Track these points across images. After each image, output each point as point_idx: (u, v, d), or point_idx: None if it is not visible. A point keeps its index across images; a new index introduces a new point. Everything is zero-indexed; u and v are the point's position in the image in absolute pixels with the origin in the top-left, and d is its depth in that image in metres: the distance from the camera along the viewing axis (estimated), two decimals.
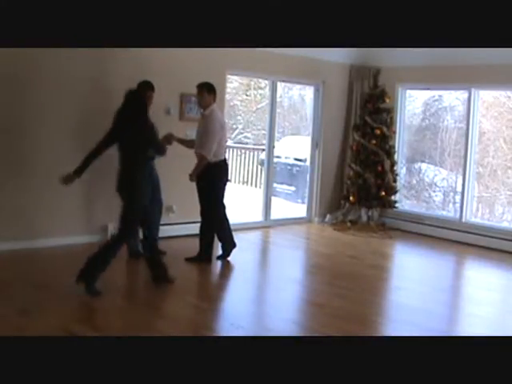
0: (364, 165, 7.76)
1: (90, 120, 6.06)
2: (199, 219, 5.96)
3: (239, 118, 13.94)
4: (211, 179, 5.58)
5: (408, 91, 8.33)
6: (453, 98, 8.20)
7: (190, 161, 6.34)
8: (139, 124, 4.70)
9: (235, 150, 12.15)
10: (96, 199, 6.24)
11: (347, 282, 5.48)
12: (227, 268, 5.89)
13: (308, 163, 8.55)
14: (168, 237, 6.24)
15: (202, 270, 5.64)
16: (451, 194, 8.25)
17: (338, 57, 7.93)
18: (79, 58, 5.81)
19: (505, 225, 7.62)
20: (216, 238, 5.89)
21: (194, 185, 5.94)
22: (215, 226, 5.80)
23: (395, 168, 7.89)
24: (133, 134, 4.72)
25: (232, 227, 6.21)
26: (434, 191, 8.60)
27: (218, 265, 5.88)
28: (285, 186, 10.02)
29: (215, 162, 5.59)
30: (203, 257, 5.75)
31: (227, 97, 7.73)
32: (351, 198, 7.84)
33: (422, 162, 8.60)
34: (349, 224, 7.99)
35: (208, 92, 5.58)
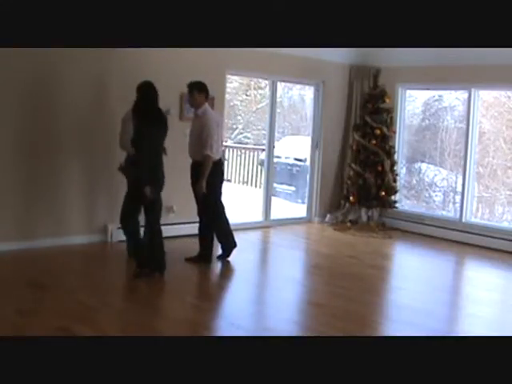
0: (364, 165, 7.76)
1: (90, 120, 6.06)
2: (198, 219, 5.95)
3: (239, 117, 13.95)
4: (208, 179, 5.54)
5: (408, 91, 8.32)
6: (453, 98, 8.20)
7: (188, 161, 6.34)
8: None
9: (235, 150, 12.15)
10: (96, 199, 6.24)
11: (347, 282, 5.48)
12: (227, 268, 5.88)
13: (308, 163, 8.55)
14: (168, 237, 6.22)
15: (202, 269, 5.64)
16: (451, 194, 8.25)
17: (337, 57, 7.92)
18: (79, 58, 5.81)
19: (505, 225, 7.62)
20: (216, 238, 5.88)
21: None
22: (214, 225, 5.79)
23: (395, 168, 7.89)
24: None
25: (232, 227, 6.20)
26: (434, 191, 8.60)
27: (218, 265, 5.88)
28: (285, 186, 10.02)
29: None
30: (203, 257, 5.74)
31: (227, 97, 7.72)
32: (351, 198, 7.84)
33: (422, 162, 8.60)
34: (349, 224, 7.99)
35: (198, 92, 5.49)
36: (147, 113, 4.98)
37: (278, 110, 8.41)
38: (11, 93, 5.58)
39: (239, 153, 12.11)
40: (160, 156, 5.08)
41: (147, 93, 5.01)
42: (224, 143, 7.86)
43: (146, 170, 4.91)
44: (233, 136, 13.48)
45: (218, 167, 5.66)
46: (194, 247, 5.78)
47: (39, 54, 5.47)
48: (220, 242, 5.93)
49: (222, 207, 5.84)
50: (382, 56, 7.77)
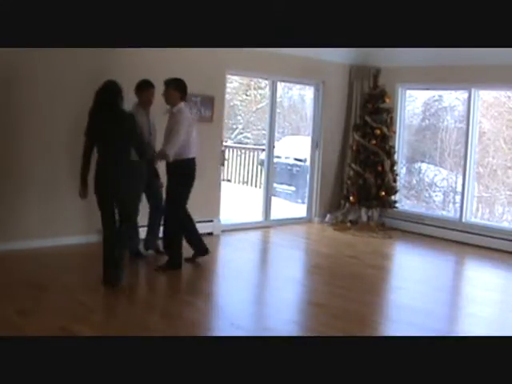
0: (364, 165, 7.76)
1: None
2: (199, 219, 5.93)
3: (239, 117, 13.95)
4: (179, 178, 5.39)
5: (408, 91, 8.32)
6: (453, 98, 8.20)
7: None
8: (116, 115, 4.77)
9: (235, 150, 12.16)
10: (94, 199, 6.21)
11: (347, 282, 5.48)
12: (227, 268, 5.89)
13: (308, 163, 8.55)
14: None
15: (201, 270, 5.64)
16: (451, 194, 8.25)
17: (337, 57, 7.92)
18: (78, 58, 5.80)
19: (505, 225, 7.62)
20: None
21: (194, 185, 5.89)
22: (182, 227, 5.55)
23: (395, 168, 7.89)
24: (112, 126, 4.75)
25: (232, 227, 6.18)
26: (434, 191, 8.60)
27: (217, 265, 5.89)
28: (285, 186, 10.02)
29: (183, 159, 5.35)
30: (174, 263, 5.46)
31: (227, 97, 7.72)
32: (351, 198, 7.84)
33: (422, 162, 8.60)
34: (349, 224, 7.99)
35: (174, 89, 5.37)
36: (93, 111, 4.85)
37: (278, 110, 8.41)
38: (8, 91, 5.58)
39: (239, 153, 12.11)
40: (101, 155, 4.84)
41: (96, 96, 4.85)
42: (224, 143, 7.84)
43: None
44: (233, 136, 13.48)
45: (192, 167, 5.44)
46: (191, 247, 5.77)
47: (38, 54, 5.47)
48: (190, 245, 5.67)
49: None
50: (382, 56, 7.77)
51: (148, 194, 5.75)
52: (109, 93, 4.80)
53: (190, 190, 5.52)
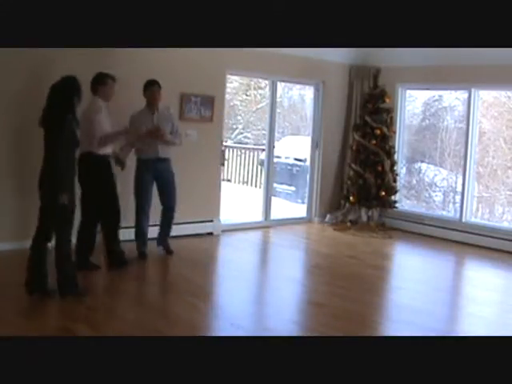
0: (364, 165, 7.76)
1: None
2: (199, 219, 5.91)
3: (239, 117, 13.95)
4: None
5: (408, 91, 8.32)
6: (453, 98, 8.20)
7: (189, 161, 6.36)
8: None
9: (235, 150, 12.16)
10: None
11: (347, 282, 5.47)
12: (227, 268, 5.89)
13: (308, 163, 8.55)
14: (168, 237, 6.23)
15: (201, 270, 5.64)
16: (451, 194, 8.25)
17: (338, 57, 7.92)
18: (78, 58, 5.80)
19: (505, 225, 7.62)
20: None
21: (193, 185, 5.91)
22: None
23: (395, 168, 7.88)
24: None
25: (232, 227, 6.11)
26: (434, 191, 8.60)
27: (217, 265, 5.89)
28: (285, 186, 10.02)
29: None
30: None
31: (227, 97, 7.72)
32: (351, 198, 7.84)
33: (422, 162, 8.60)
34: (349, 224, 7.99)
35: None
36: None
37: (278, 110, 8.41)
38: (7, 91, 5.58)
39: (239, 153, 12.11)
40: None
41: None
42: (224, 143, 7.84)
43: None
44: (233, 136, 13.48)
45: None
46: (193, 247, 5.77)
47: (38, 54, 5.46)
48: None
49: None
50: (382, 56, 7.77)
51: (162, 194, 5.73)
52: (66, 89, 4.40)
53: (87, 189, 5.22)
